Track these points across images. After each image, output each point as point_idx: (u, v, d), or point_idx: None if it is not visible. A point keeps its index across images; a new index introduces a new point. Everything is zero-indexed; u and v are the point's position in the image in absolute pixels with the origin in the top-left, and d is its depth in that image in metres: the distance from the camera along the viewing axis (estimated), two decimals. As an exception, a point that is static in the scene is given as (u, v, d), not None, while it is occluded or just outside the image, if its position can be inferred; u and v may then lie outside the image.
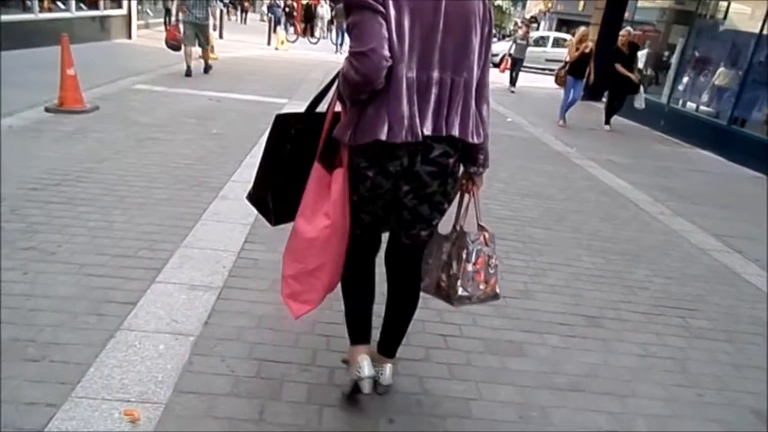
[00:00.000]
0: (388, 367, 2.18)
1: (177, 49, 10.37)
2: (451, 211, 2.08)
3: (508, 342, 2.77)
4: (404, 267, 2.12)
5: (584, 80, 9.80)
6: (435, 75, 1.76)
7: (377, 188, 1.87)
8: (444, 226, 2.11)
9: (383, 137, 1.73)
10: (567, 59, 10.10)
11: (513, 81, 14.62)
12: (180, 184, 4.34)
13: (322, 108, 2.04)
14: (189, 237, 3.40)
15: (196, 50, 10.46)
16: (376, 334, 2.27)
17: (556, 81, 10.82)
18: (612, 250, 4.23)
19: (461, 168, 1.98)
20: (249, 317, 2.65)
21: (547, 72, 22.56)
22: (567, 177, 6.40)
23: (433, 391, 2.32)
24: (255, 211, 2.34)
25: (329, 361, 2.40)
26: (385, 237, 2.16)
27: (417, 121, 1.75)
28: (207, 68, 10.83)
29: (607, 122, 10.20)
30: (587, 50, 9.69)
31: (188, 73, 10.12)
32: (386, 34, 1.67)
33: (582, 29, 10.07)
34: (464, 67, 1.80)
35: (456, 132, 1.81)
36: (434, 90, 1.77)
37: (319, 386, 2.25)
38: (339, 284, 2.10)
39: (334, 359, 2.39)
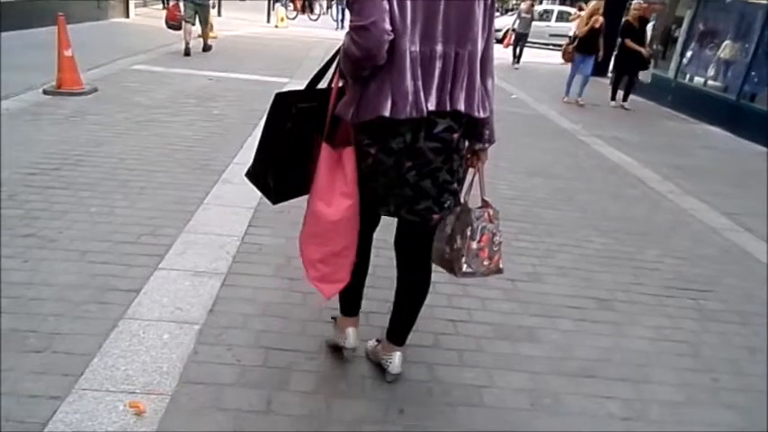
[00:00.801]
0: (397, 356, 2.17)
1: (177, 28, 10.24)
2: None
3: (518, 327, 2.71)
4: (411, 250, 2.08)
5: (594, 57, 9.54)
6: (439, 48, 1.72)
7: (379, 165, 1.82)
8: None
9: (386, 113, 1.70)
10: (577, 34, 9.82)
11: (517, 57, 14.35)
12: (181, 168, 4.27)
13: (323, 85, 1.98)
14: (192, 221, 3.34)
15: (195, 29, 10.30)
16: (385, 320, 2.23)
17: (563, 56, 10.56)
18: (622, 230, 4.16)
19: (466, 144, 1.93)
20: (254, 304, 2.60)
21: (551, 47, 22.25)
22: (574, 155, 6.30)
23: (443, 378, 2.28)
24: (259, 195, 2.29)
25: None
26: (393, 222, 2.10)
27: (422, 96, 1.71)
28: (206, 48, 10.68)
29: (613, 98, 10.01)
30: (597, 25, 9.39)
31: (187, 52, 9.97)
32: (386, 7, 1.62)
33: (593, 2, 9.74)
34: (468, 40, 1.75)
35: (461, 107, 1.77)
36: (438, 64, 1.73)
37: (327, 375, 2.20)
38: None
39: (343, 347, 2.35)
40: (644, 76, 9.70)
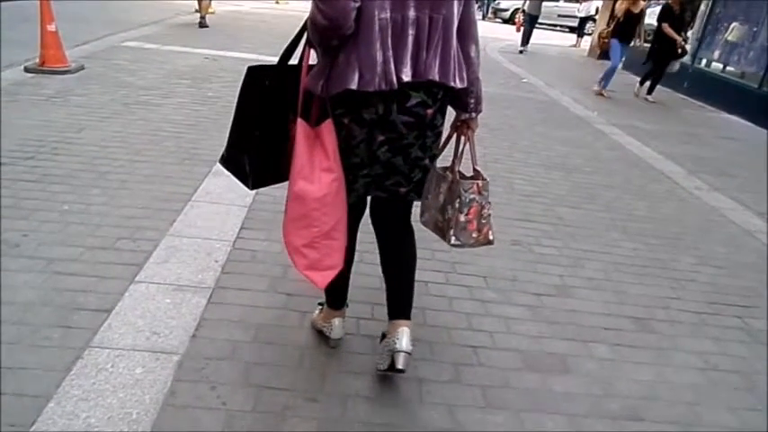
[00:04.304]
0: (405, 332, 1.94)
1: None
2: (449, 151, 2.00)
3: (549, 354, 2.36)
4: (386, 219, 2.01)
5: (628, 45, 8.84)
6: (411, 14, 1.61)
7: (351, 138, 1.74)
8: (443, 162, 2.00)
9: (353, 86, 1.61)
10: (619, 18, 8.93)
11: (525, 40, 13.74)
12: (169, 158, 3.88)
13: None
14: (177, 223, 2.96)
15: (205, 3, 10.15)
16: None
17: (599, 43, 9.86)
18: (652, 233, 3.79)
19: (442, 120, 1.83)
20: (244, 327, 2.24)
21: (559, 29, 21.67)
22: (593, 146, 5.91)
23: (466, 424, 1.92)
24: (254, 192, 2.18)
25: (342, 387, 1.99)
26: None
27: (392, 66, 1.61)
28: (202, 25, 10.22)
29: (641, 85, 9.29)
30: (637, 10, 8.65)
31: (202, 23, 10.06)
32: None
33: None
34: (442, 3, 1.64)
35: (435, 76, 1.67)
36: (411, 31, 1.62)
37: (331, 422, 1.84)
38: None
39: (348, 384, 2.01)
40: (672, 66, 9.03)
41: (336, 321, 2.15)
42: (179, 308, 2.28)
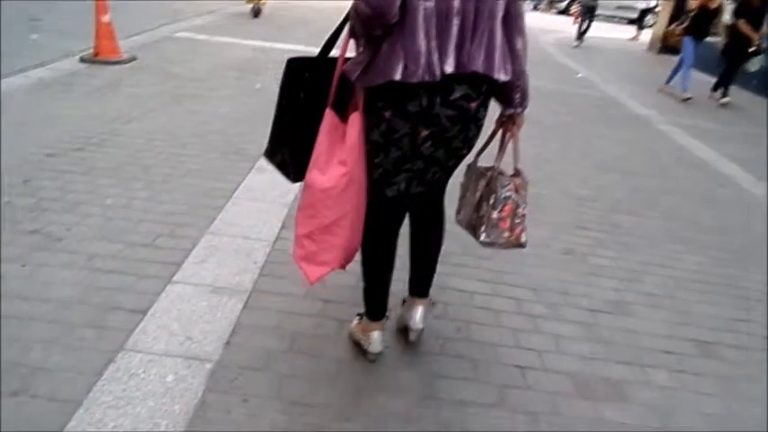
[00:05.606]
0: (419, 310, 2.09)
1: None
2: (494, 147, 1.93)
3: (603, 379, 2.18)
4: (421, 205, 2.00)
5: (702, 42, 8.14)
6: (456, 3, 1.55)
7: (393, 132, 1.68)
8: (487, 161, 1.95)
9: (398, 76, 1.54)
10: (693, 13, 8.22)
11: (581, 34, 13.21)
12: (213, 152, 3.85)
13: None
14: (217, 220, 2.91)
15: None
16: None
17: (668, 39, 9.08)
18: (717, 245, 3.52)
19: (485, 113, 1.77)
20: (280, 335, 2.15)
21: (617, 20, 20.85)
22: (652, 148, 5.59)
23: (511, 455, 1.79)
24: (296, 188, 2.16)
25: (379, 407, 1.88)
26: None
27: (436, 57, 1.55)
28: (257, 12, 10.33)
29: (716, 89, 8.47)
30: (714, 5, 7.97)
31: (257, 13, 10.29)
32: None
33: None
34: None
35: (480, 68, 1.60)
36: (456, 21, 1.56)
37: (365, 445, 1.75)
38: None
39: (386, 404, 1.90)
40: (753, 65, 8.24)
41: (375, 334, 2.05)
42: (215, 312, 2.21)
